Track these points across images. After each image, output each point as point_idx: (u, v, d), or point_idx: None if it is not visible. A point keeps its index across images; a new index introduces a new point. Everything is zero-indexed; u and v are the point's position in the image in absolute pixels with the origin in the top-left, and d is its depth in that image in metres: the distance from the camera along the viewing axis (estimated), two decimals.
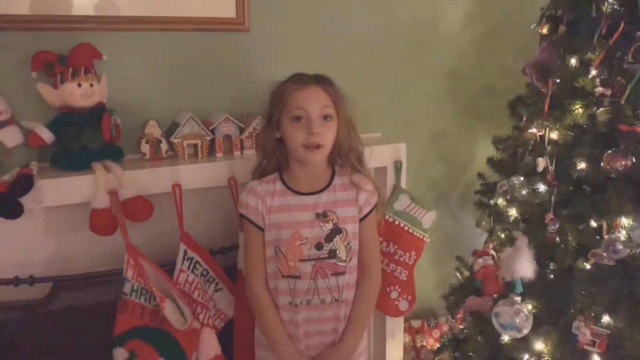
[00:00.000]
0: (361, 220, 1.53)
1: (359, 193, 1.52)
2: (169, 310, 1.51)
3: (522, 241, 1.72)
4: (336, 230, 1.49)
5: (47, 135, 1.54)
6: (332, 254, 1.49)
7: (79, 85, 1.54)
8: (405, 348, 2.33)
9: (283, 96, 1.44)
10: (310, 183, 1.51)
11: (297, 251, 1.47)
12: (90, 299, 1.59)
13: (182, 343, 1.56)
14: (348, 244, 1.50)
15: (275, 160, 1.53)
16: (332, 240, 1.48)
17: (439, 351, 2.25)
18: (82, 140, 1.56)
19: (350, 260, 1.51)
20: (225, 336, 1.70)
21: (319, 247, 1.48)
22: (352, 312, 1.54)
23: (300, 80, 1.46)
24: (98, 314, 1.56)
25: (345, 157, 1.53)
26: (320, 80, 1.46)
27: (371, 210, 1.55)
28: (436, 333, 2.42)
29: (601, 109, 1.67)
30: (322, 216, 1.48)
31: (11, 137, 1.51)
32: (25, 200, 1.43)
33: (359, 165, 1.55)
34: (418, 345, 2.39)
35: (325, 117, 1.44)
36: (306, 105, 1.42)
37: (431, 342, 2.40)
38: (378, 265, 1.61)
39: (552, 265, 1.79)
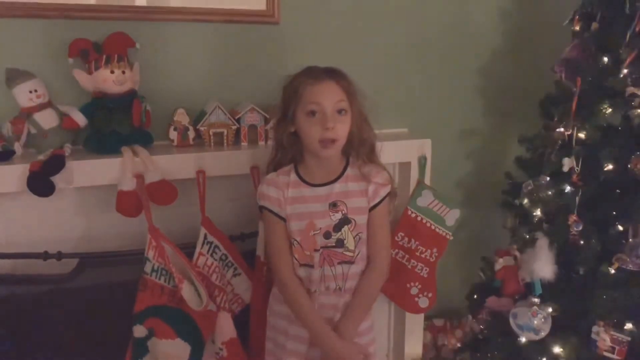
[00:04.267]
0: (369, 210, 1.54)
1: (369, 184, 1.53)
2: (186, 291, 1.56)
3: (543, 242, 1.70)
4: (345, 220, 1.50)
5: (80, 119, 1.61)
6: (340, 243, 1.50)
7: (112, 72, 1.59)
8: (426, 346, 2.32)
9: (297, 91, 1.45)
10: (323, 174, 1.53)
11: (312, 241, 1.50)
12: (113, 277, 1.66)
13: (198, 324, 1.62)
14: (357, 235, 1.52)
15: (290, 153, 1.55)
16: (340, 230, 1.50)
17: (460, 351, 2.23)
18: (112, 124, 1.63)
19: (359, 251, 1.53)
20: (242, 321, 1.73)
21: (327, 235, 1.50)
22: (351, 303, 1.53)
23: (313, 74, 1.46)
24: (120, 291, 1.63)
25: (357, 149, 1.54)
26: (334, 74, 1.47)
27: (380, 202, 1.54)
28: (459, 333, 2.40)
29: (638, 110, 1.62)
30: (332, 206, 1.50)
31: (48, 119, 1.58)
32: (57, 180, 1.50)
33: (372, 156, 1.56)
34: (439, 344, 2.37)
35: (340, 111, 1.45)
36: (321, 100, 1.43)
37: (453, 342, 2.37)
38: (384, 257, 1.58)
39: (575, 268, 1.75)
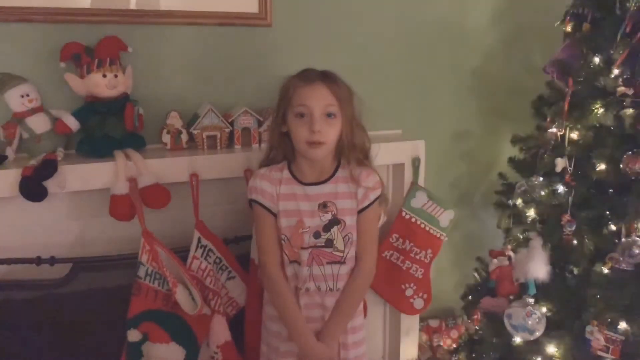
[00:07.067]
0: (358, 213, 1.54)
1: (358, 187, 1.53)
2: (180, 295, 1.55)
3: (537, 242, 1.70)
4: (334, 221, 1.51)
5: (73, 123, 1.60)
6: (329, 243, 1.51)
7: (104, 75, 1.59)
8: (422, 347, 2.33)
9: (289, 92, 1.46)
10: (315, 174, 1.54)
11: (300, 239, 1.50)
12: (107, 281, 1.65)
13: (193, 327, 1.62)
14: (346, 235, 1.52)
15: (282, 152, 1.56)
16: (329, 230, 1.51)
17: (455, 352, 2.23)
18: (105, 128, 1.63)
19: (348, 251, 1.53)
20: (237, 324, 1.73)
21: (316, 235, 1.51)
22: (335, 307, 1.53)
23: (305, 77, 1.47)
24: (113, 295, 1.62)
25: (348, 154, 1.53)
26: (326, 78, 1.47)
27: (369, 205, 1.54)
28: (454, 334, 2.40)
29: (630, 109, 1.63)
30: (322, 207, 1.51)
31: (40, 124, 1.58)
32: (49, 184, 1.49)
33: (364, 160, 1.56)
34: (435, 345, 2.37)
35: (329, 115, 1.45)
36: (309, 102, 1.43)
37: (449, 343, 2.38)
38: (369, 261, 1.57)
39: (569, 268, 1.75)
